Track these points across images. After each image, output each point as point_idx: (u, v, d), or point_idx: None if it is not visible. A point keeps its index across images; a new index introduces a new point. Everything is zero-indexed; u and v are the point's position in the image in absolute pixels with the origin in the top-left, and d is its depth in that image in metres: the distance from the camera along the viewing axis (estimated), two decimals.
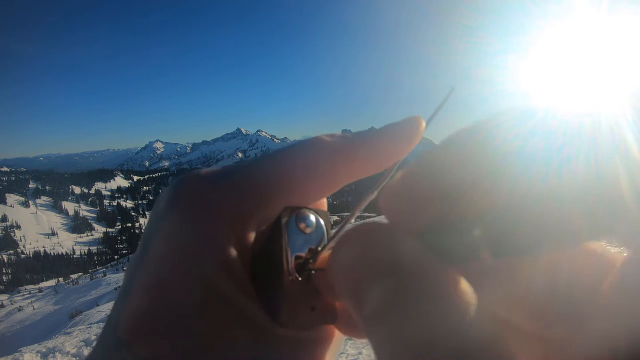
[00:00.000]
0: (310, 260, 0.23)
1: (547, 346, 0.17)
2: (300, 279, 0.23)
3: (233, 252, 0.21)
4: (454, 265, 0.15)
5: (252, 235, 0.22)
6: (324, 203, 0.27)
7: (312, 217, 0.24)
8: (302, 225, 0.23)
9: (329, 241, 0.23)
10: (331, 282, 0.17)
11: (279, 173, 0.23)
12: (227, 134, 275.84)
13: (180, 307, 0.20)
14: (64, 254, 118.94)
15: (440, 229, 0.16)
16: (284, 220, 0.22)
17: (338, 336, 0.25)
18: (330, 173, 0.23)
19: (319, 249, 0.23)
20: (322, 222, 0.24)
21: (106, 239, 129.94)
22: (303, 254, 0.23)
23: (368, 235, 0.17)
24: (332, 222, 0.24)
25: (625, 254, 0.15)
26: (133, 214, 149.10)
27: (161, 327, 0.20)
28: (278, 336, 0.22)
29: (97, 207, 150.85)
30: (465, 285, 0.15)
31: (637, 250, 0.13)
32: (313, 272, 0.23)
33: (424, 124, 0.22)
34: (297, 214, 0.23)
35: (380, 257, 0.16)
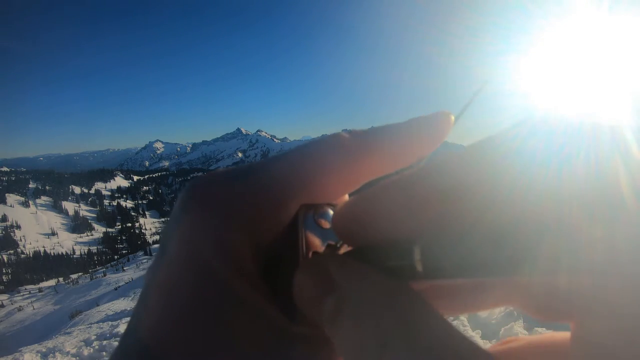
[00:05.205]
0: None
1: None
2: None
3: (246, 252, 0.21)
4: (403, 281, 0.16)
5: (267, 236, 0.22)
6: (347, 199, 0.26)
7: (331, 213, 0.23)
8: (321, 221, 0.23)
9: None
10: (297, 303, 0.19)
11: (293, 173, 0.22)
12: (227, 134, 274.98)
13: (195, 308, 0.20)
14: (64, 254, 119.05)
15: (384, 247, 0.17)
16: (300, 217, 0.22)
17: None
18: (349, 170, 0.23)
19: (338, 245, 0.23)
20: None
21: (106, 239, 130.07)
22: (321, 251, 0.23)
23: (317, 263, 0.19)
24: None
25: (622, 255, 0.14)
26: (133, 214, 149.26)
27: (176, 329, 0.20)
28: (296, 335, 0.22)
29: (97, 207, 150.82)
30: (416, 296, 0.15)
31: (637, 250, 0.13)
32: None
33: (452, 120, 0.22)
34: (315, 210, 0.23)
35: (323, 281, 0.18)
